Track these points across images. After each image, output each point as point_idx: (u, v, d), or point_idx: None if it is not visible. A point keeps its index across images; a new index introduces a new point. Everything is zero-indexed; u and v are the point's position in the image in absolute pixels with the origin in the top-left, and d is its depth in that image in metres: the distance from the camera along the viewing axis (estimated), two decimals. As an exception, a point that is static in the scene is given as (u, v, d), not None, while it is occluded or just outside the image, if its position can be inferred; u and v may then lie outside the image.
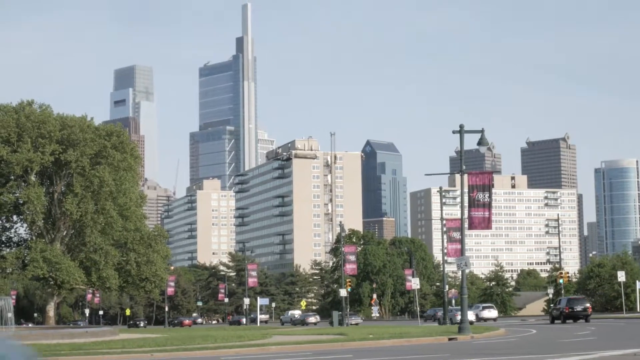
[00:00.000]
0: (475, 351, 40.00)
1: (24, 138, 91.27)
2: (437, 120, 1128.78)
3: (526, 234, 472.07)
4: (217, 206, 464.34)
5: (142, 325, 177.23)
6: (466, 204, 57.91)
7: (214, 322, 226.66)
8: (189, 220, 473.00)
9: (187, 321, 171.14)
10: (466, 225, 59.00)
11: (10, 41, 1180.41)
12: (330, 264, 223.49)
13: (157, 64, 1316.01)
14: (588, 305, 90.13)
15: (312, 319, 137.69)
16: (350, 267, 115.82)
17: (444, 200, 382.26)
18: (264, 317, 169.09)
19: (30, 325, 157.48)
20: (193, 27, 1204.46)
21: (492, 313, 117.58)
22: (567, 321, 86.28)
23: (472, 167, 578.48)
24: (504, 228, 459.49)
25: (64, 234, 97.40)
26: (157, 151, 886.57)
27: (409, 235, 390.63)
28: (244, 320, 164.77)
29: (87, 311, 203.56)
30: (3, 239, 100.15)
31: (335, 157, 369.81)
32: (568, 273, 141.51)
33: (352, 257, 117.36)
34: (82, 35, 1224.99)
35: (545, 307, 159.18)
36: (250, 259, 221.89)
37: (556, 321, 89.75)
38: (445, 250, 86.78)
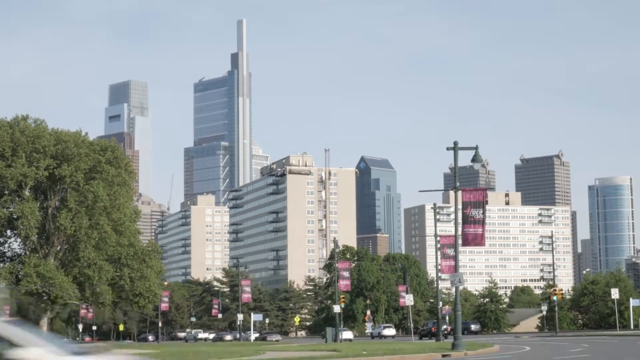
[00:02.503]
0: (468, 368, 40.03)
1: (19, 153, 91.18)
2: (431, 136, 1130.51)
3: (520, 251, 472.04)
4: (211, 222, 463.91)
5: (151, 339, 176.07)
6: (460, 220, 57.99)
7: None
8: (183, 236, 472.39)
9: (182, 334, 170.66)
10: (460, 241, 59.07)
11: (5, 55, 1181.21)
12: (324, 280, 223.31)
13: (152, 80, 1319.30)
14: (447, 326, 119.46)
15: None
16: (344, 283, 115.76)
17: (438, 216, 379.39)
18: (348, 334, 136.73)
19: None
20: (188, 43, 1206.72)
21: (390, 331, 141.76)
22: (431, 338, 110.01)
23: (466, 183, 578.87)
24: (497, 245, 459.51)
25: (58, 249, 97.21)
26: (152, 166, 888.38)
27: (403, 252, 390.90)
28: (228, 337, 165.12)
29: (80, 326, 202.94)
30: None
31: (329, 173, 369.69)
32: (562, 290, 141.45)
33: (346, 273, 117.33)
34: (78, 50, 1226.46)
35: (539, 324, 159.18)
36: (244, 275, 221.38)
37: (424, 338, 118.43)
38: (439, 267, 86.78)
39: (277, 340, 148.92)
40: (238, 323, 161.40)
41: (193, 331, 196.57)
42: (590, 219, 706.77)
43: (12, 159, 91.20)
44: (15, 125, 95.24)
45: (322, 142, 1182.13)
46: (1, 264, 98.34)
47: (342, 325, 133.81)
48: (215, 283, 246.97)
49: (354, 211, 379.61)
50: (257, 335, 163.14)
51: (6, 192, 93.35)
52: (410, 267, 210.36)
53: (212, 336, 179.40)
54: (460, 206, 57.95)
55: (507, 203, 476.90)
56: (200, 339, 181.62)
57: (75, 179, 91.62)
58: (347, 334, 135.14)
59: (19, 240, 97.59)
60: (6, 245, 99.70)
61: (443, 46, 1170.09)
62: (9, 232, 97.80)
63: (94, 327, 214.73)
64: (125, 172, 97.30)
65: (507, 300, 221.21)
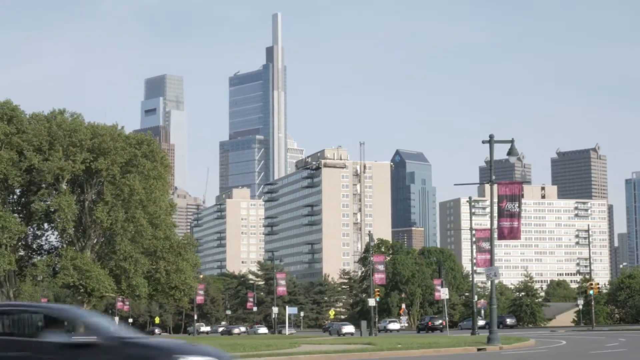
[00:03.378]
0: (504, 362, 39.92)
1: (56, 146, 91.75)
2: (466, 130, 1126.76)
3: (556, 245, 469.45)
4: (246, 215, 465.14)
5: (157, 332, 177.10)
6: (495, 214, 57.75)
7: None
8: (218, 229, 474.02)
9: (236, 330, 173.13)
10: (495, 235, 58.84)
11: (43, 51, 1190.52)
12: (359, 273, 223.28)
13: (187, 74, 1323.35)
14: (442, 320, 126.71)
15: None
16: (379, 277, 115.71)
17: (473, 210, 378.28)
18: (395, 325, 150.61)
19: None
20: (223, 37, 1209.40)
21: (395, 325, 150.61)
22: (429, 331, 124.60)
23: (502, 177, 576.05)
24: (533, 238, 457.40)
25: (94, 242, 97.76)
26: (187, 160, 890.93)
27: (438, 245, 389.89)
28: (236, 330, 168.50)
29: (116, 319, 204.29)
30: (34, 247, 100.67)
31: (364, 166, 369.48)
32: (598, 284, 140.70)
33: (381, 267, 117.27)
34: (114, 45, 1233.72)
35: (575, 318, 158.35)
36: (279, 268, 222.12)
37: (421, 331, 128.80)
38: (475, 261, 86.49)
39: (239, 334, 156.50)
40: (273, 316, 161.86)
41: (196, 324, 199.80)
42: (627, 212, 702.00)
43: (49, 153, 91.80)
44: (52, 119, 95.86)
45: (357, 136, 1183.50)
46: (39, 257, 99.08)
47: (377, 318, 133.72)
48: (250, 276, 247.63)
49: (388, 205, 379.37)
50: (222, 329, 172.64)
51: (43, 185, 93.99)
52: (445, 260, 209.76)
53: (220, 329, 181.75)
54: (495, 199, 57.71)
55: (543, 197, 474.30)
56: (203, 333, 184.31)
57: (112, 172, 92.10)
58: (394, 325, 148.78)
59: (56, 233, 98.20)
60: (43, 238, 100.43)
61: (481, 40, 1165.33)
62: (46, 225, 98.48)
63: (130, 320, 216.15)
64: (161, 166, 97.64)
65: (542, 294, 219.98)
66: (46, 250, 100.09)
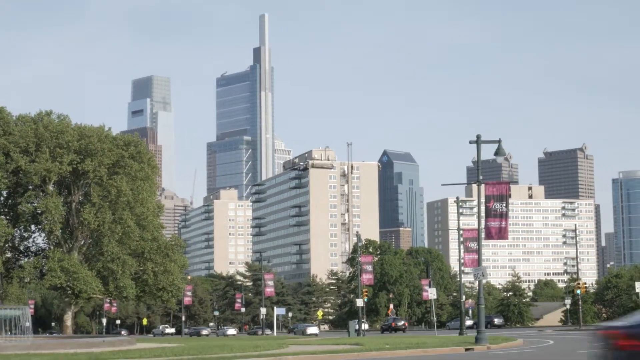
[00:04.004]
0: (491, 362, 39.98)
1: (42, 148, 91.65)
2: (453, 130, 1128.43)
3: (543, 245, 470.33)
4: (234, 216, 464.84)
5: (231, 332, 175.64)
6: (483, 214, 57.83)
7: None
8: (206, 230, 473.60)
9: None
10: (483, 235, 58.91)
11: (29, 53, 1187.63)
12: (347, 273, 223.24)
13: (174, 74, 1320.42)
14: (404, 322, 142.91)
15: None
16: (367, 277, 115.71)
17: (460, 210, 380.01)
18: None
19: (47, 334, 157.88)
20: (210, 38, 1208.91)
21: (364, 326, 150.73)
22: (392, 332, 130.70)
23: (489, 177, 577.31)
24: (521, 238, 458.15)
25: (82, 243, 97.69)
26: (175, 161, 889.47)
27: (426, 246, 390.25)
28: (204, 331, 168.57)
29: (104, 320, 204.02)
30: (21, 249, 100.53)
31: (352, 167, 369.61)
32: (585, 284, 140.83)
33: (369, 267, 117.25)
34: (100, 46, 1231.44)
35: (563, 318, 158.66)
36: (267, 269, 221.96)
37: (385, 332, 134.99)
38: (462, 261, 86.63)
39: (207, 335, 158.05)
40: (261, 317, 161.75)
41: (160, 326, 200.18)
42: (614, 212, 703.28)
43: (35, 154, 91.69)
44: (39, 120, 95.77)
45: (345, 136, 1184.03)
46: (26, 259, 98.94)
47: (365, 318, 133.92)
48: (238, 277, 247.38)
49: (376, 205, 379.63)
50: (187, 330, 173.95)
51: (30, 187, 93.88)
52: (433, 261, 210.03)
53: (187, 331, 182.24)
54: (483, 200, 57.79)
55: (530, 196, 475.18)
56: (167, 334, 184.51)
57: (99, 173, 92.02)
58: (312, 329, 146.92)
59: (43, 235, 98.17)
60: (30, 240, 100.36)
61: (466, 40, 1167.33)
62: (33, 227, 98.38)
63: (118, 321, 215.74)
64: (148, 167, 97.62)
65: (530, 294, 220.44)
66: (33, 252, 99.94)
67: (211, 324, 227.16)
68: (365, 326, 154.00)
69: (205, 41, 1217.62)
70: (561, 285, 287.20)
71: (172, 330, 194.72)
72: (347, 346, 55.82)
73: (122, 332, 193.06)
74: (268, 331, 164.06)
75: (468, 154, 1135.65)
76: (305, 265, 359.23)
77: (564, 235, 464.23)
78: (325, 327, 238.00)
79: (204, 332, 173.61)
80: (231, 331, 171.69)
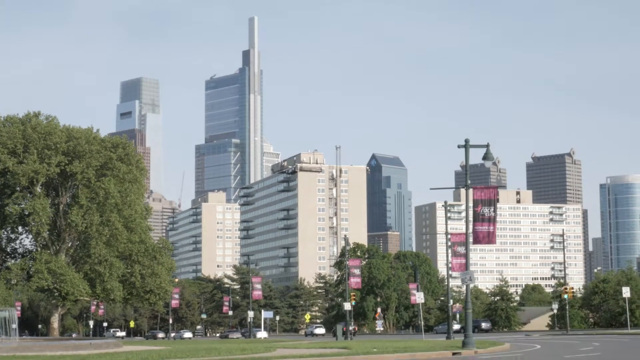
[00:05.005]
0: (479, 366, 40.00)
1: (30, 149, 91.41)
2: (442, 134, 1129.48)
3: (531, 249, 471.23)
4: (222, 219, 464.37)
5: (160, 336, 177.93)
6: (471, 218, 57.87)
7: (217, 334, 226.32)
8: (194, 233, 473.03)
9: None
10: (471, 239, 58.94)
11: (18, 53, 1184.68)
12: (335, 277, 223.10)
13: (163, 77, 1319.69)
14: (354, 326, 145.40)
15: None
16: (355, 281, 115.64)
17: (448, 214, 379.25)
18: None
19: (34, 336, 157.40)
20: (200, 40, 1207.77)
21: (321, 330, 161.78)
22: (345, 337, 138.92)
23: (478, 181, 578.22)
24: (508, 243, 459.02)
25: (69, 245, 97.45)
26: (163, 163, 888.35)
27: (414, 249, 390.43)
28: (160, 334, 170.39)
29: (91, 323, 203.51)
30: (8, 250, 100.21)
31: (340, 170, 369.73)
32: (573, 288, 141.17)
33: (357, 271, 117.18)
34: (89, 47, 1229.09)
35: (550, 323, 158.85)
36: (255, 272, 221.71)
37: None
38: (450, 265, 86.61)
39: (163, 338, 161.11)
40: (249, 320, 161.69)
41: (151, 331, 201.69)
42: (601, 217, 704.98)
43: (23, 156, 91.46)
44: (27, 122, 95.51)
45: (333, 140, 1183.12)
46: (13, 260, 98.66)
47: (352, 322, 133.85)
48: (225, 280, 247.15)
49: (364, 209, 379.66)
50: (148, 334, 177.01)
51: (18, 188, 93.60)
52: (421, 264, 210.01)
53: (173, 334, 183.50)
54: (471, 204, 57.82)
55: (518, 201, 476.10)
56: (118, 337, 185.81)
57: (87, 175, 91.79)
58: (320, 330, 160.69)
59: (30, 236, 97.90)
60: (17, 241, 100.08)
61: (455, 45, 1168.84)
62: (20, 229, 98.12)
63: (105, 324, 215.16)
64: (136, 169, 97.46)
65: (517, 298, 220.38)
66: (20, 254, 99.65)
67: (198, 326, 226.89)
68: (264, 334, 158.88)
69: (194, 43, 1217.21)
70: (548, 289, 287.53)
71: (123, 333, 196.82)
72: (334, 349, 55.76)
73: (118, 334, 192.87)
74: (237, 334, 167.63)
75: (456, 158, 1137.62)
76: (293, 268, 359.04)
77: (552, 240, 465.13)
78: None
79: (160, 335, 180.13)
80: (187, 334, 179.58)
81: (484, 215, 57.23)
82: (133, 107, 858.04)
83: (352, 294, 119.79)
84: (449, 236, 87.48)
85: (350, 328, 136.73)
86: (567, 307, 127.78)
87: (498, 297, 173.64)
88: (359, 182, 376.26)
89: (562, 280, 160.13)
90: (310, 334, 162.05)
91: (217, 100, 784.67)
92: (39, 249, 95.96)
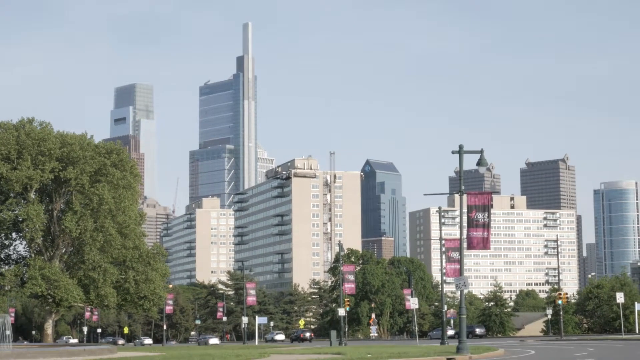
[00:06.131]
0: (473, 371, 39.99)
1: (24, 155, 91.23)
2: (436, 140, 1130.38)
3: (525, 255, 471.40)
4: (216, 225, 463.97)
5: (147, 342, 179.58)
6: (465, 224, 57.92)
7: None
8: (188, 239, 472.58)
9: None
10: (465, 245, 58.99)
11: (11, 59, 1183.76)
12: (329, 283, 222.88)
13: (157, 82, 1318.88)
14: (310, 333, 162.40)
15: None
16: (349, 287, 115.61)
17: (443, 220, 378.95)
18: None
19: (27, 343, 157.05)
20: (194, 46, 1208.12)
21: (281, 337, 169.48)
22: (300, 342, 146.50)
23: (472, 187, 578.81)
24: (502, 248, 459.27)
25: (63, 251, 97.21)
26: (157, 169, 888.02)
27: (408, 255, 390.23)
28: (121, 341, 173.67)
29: (85, 329, 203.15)
30: (2, 256, 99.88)
31: (334, 176, 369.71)
32: (567, 294, 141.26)
33: (351, 277, 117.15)
34: (83, 53, 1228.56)
35: (544, 328, 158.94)
36: (249, 278, 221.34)
37: (294, 342, 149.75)
38: (444, 270, 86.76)
39: (123, 344, 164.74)
40: (243, 326, 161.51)
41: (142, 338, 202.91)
42: (595, 223, 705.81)
43: (17, 162, 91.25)
44: (21, 128, 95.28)
45: (327, 146, 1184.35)
46: (6, 267, 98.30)
47: (347, 328, 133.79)
48: (220, 286, 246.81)
49: (359, 214, 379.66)
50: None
51: (11, 194, 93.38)
52: (415, 270, 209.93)
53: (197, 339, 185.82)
54: (465, 210, 57.88)
55: (513, 207, 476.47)
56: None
57: (81, 181, 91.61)
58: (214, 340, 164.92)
59: (24, 242, 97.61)
60: (11, 247, 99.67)
61: (449, 50, 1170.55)
62: (14, 235, 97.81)
63: (99, 330, 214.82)
64: (130, 175, 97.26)
65: (512, 304, 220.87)
66: (14, 260, 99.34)
67: (192, 332, 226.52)
68: (215, 340, 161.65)
69: (188, 49, 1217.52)
70: (542, 295, 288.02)
71: (75, 340, 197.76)
72: (329, 355, 55.76)
73: (120, 342, 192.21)
74: (216, 340, 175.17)
75: (451, 164, 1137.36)
76: (287, 274, 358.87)
77: (546, 246, 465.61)
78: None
79: (120, 342, 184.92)
80: (147, 341, 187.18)
81: (478, 221, 57.31)
82: (127, 113, 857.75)
83: (346, 299, 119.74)
84: (443, 242, 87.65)
85: (307, 335, 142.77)
86: (561, 313, 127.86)
87: (492, 303, 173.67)
88: (353, 188, 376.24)
89: (556, 286, 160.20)
90: (271, 339, 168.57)
91: (211, 106, 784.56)
92: (32, 255, 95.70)
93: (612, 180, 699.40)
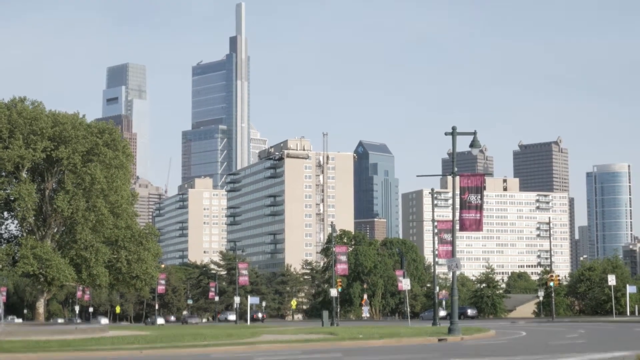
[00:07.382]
0: (464, 352, 40.05)
1: (16, 134, 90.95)
2: (429, 122, 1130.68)
3: (517, 237, 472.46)
4: (208, 205, 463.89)
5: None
6: (457, 205, 57.88)
7: (204, 320, 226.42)
8: (181, 219, 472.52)
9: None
10: (457, 227, 58.99)
11: (3, 39, 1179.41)
12: (321, 264, 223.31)
13: (150, 62, 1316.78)
14: (263, 314, 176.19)
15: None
16: (341, 267, 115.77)
17: (435, 201, 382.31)
18: None
19: (20, 321, 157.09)
20: (187, 26, 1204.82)
21: (233, 317, 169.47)
22: (253, 322, 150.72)
23: (464, 169, 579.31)
24: (495, 230, 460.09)
25: (55, 230, 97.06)
26: (149, 149, 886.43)
27: (400, 237, 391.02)
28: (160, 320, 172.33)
29: (77, 308, 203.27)
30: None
31: (327, 157, 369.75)
32: (559, 276, 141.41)
33: (343, 258, 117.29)
34: (75, 33, 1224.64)
35: (536, 310, 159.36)
36: (241, 258, 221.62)
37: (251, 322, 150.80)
38: (436, 252, 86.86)
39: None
40: (235, 306, 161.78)
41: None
42: (587, 205, 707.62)
43: (9, 141, 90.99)
44: (13, 107, 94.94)
45: (320, 127, 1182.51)
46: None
47: (339, 308, 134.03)
48: (212, 266, 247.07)
49: (351, 196, 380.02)
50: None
51: (3, 173, 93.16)
52: (407, 252, 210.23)
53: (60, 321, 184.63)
54: (458, 191, 57.83)
55: (505, 189, 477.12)
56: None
57: (73, 161, 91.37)
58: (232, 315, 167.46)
59: (15, 222, 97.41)
60: (3, 227, 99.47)
61: (442, 33, 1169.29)
62: (5, 214, 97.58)
63: (91, 309, 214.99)
64: (122, 155, 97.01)
65: (503, 285, 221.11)
66: (6, 239, 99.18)
67: (184, 312, 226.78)
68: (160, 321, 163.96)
69: (181, 29, 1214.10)
70: (534, 277, 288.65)
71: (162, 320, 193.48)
72: (320, 335, 55.82)
73: (122, 323, 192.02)
74: (196, 319, 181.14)
75: (444, 146, 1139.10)
76: (279, 255, 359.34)
77: (538, 228, 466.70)
78: (299, 316, 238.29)
79: (231, 317, 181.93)
80: (104, 320, 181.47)
81: (471, 203, 57.28)
82: (119, 92, 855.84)
83: (338, 280, 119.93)
84: (436, 223, 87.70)
85: (260, 316, 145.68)
86: (552, 295, 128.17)
87: (484, 285, 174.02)
88: (346, 169, 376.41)
89: (548, 268, 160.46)
90: (224, 319, 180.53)
91: (204, 87, 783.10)
92: (24, 235, 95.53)
93: (604, 163, 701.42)
